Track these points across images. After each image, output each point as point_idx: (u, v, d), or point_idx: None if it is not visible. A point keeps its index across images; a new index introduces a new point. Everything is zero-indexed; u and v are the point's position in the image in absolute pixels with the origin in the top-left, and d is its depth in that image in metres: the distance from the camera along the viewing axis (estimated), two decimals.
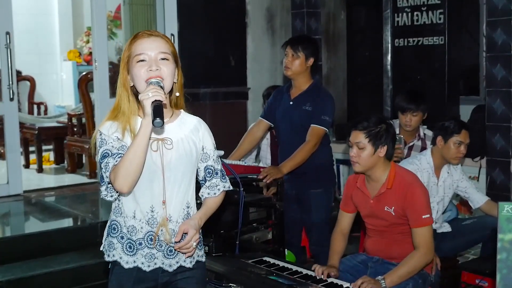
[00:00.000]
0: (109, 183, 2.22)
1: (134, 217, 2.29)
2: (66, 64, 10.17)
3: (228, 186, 2.48)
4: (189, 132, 2.37)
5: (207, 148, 2.41)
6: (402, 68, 5.99)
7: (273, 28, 6.83)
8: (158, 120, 2.09)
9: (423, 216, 3.04)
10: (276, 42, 6.81)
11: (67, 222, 4.95)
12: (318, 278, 3.08)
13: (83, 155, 6.76)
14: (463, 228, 3.95)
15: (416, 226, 3.06)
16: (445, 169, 3.92)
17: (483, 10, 6.11)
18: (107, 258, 2.36)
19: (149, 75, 2.22)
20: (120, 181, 2.15)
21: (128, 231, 2.30)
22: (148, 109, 2.12)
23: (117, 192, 2.24)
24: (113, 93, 6.04)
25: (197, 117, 2.45)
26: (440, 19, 5.69)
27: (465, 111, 5.95)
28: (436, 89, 5.65)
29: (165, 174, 2.28)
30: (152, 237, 2.30)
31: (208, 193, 2.43)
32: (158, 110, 2.10)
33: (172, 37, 6.07)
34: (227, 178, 2.48)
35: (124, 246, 2.31)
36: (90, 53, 9.54)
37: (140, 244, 2.30)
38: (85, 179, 6.32)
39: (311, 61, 4.09)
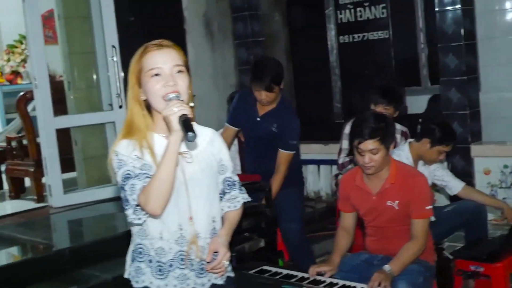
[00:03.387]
0: (137, 206, 2.09)
1: (161, 238, 2.17)
2: None
3: (246, 197, 2.39)
4: (207, 144, 2.27)
5: (224, 159, 2.32)
6: (349, 64, 6.07)
7: (211, 33, 6.74)
8: (191, 134, 1.99)
9: (427, 207, 3.08)
10: (216, 47, 6.72)
11: (31, 252, 4.66)
12: (312, 279, 3.07)
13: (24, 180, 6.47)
14: (444, 215, 4.01)
15: (418, 217, 3.09)
16: (421, 161, 3.98)
17: (417, 3, 6.29)
18: (135, 285, 2.22)
19: (166, 90, 2.10)
20: (153, 203, 2.03)
21: (156, 254, 2.18)
22: (176, 124, 2.01)
23: (145, 214, 2.10)
24: (57, 111, 5.77)
25: (211, 129, 2.36)
26: (383, 13, 5.80)
27: (409, 102, 6.10)
28: (384, 83, 5.73)
29: (189, 189, 2.17)
30: (184, 257, 2.18)
31: (229, 206, 2.34)
32: (188, 124, 2.01)
33: (114, 49, 5.86)
34: (244, 189, 2.40)
35: (153, 270, 2.19)
36: (13, 72, 9.11)
37: (171, 265, 2.18)
38: (33, 204, 5.98)
39: (282, 84, 4.06)
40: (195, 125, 2.07)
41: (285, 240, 4.31)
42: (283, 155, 4.03)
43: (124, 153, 2.12)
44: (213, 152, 2.27)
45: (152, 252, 2.18)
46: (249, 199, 2.41)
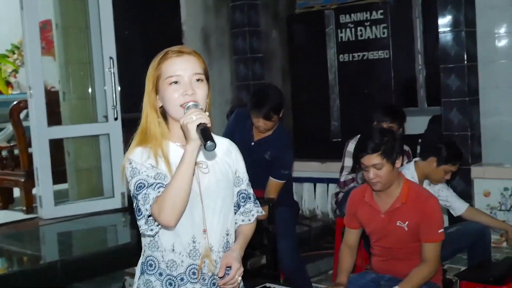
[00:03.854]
0: (149, 216, 2.00)
1: (173, 250, 2.07)
2: None
3: (261, 211, 2.32)
4: (223, 155, 2.20)
5: (240, 171, 2.24)
6: (348, 83, 6.04)
7: (209, 48, 6.69)
8: (210, 143, 1.91)
9: (439, 231, 3.02)
10: (213, 62, 6.66)
11: (19, 265, 4.53)
12: None
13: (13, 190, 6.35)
14: (448, 236, 3.95)
15: (429, 241, 3.02)
16: (427, 181, 3.93)
17: (416, 25, 6.31)
18: None
19: (185, 100, 2.03)
20: (167, 214, 1.94)
21: (167, 267, 2.08)
22: (194, 133, 1.93)
23: (158, 225, 2.02)
24: (52, 121, 5.68)
25: (227, 139, 2.30)
26: (384, 33, 5.79)
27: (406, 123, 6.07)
28: (383, 102, 5.70)
29: (204, 201, 2.09)
30: (196, 271, 2.09)
31: (243, 220, 2.25)
32: (206, 133, 1.94)
33: (111, 60, 5.80)
34: (258, 202, 2.32)
35: (163, 283, 2.08)
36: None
37: (182, 279, 2.08)
38: (21, 215, 5.85)
39: (281, 113, 4.00)
40: (212, 135, 2.01)
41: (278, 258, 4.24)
42: (274, 184, 3.97)
43: (138, 161, 2.03)
44: (230, 162, 2.20)
45: (163, 265, 2.09)
46: (264, 213, 2.34)
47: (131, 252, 4.24)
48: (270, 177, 3.98)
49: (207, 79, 2.15)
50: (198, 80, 2.08)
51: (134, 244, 4.35)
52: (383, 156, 3.01)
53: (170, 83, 2.05)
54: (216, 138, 2.17)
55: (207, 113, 2.11)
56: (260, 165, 3.97)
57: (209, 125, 1.98)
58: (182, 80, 2.05)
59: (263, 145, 4.04)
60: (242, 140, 4.06)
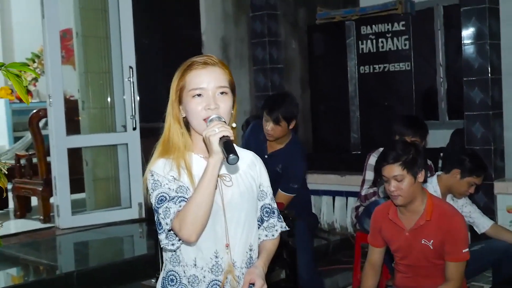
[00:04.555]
0: (169, 230, 1.95)
1: (195, 265, 2.03)
2: None
3: (284, 226, 2.25)
4: (247, 167, 2.15)
5: (264, 185, 2.20)
6: (368, 95, 5.98)
7: (228, 58, 6.66)
8: (233, 156, 1.86)
9: (463, 251, 2.95)
10: (232, 72, 6.61)
11: (36, 274, 4.51)
12: None
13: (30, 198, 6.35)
14: (472, 254, 3.86)
15: (453, 260, 2.95)
16: (450, 195, 3.85)
17: (438, 37, 6.24)
18: None
19: (208, 114, 1.99)
20: (188, 229, 1.90)
21: (189, 282, 2.03)
22: (216, 146, 1.89)
23: (179, 240, 1.97)
24: (71, 130, 5.67)
25: (251, 151, 2.25)
26: (405, 45, 5.73)
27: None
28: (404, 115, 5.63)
29: (227, 214, 2.04)
30: (218, 287, 2.03)
31: (266, 235, 2.20)
32: (229, 146, 1.89)
33: (131, 70, 5.79)
34: (281, 217, 2.27)
35: None
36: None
37: None
38: (39, 224, 5.84)
39: (293, 124, 3.96)
40: (236, 148, 1.96)
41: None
42: (282, 197, 3.93)
43: (160, 174, 2.00)
44: (254, 176, 2.15)
45: (184, 280, 2.04)
46: (287, 228, 2.27)
47: (147, 264, 4.20)
48: (279, 189, 3.94)
49: (233, 90, 2.10)
50: (222, 93, 2.04)
51: (151, 256, 4.31)
52: (403, 167, 2.94)
53: (194, 96, 2.02)
54: (240, 150, 2.14)
55: (234, 124, 2.09)
56: (273, 178, 3.92)
57: (232, 138, 1.94)
58: (205, 93, 2.02)
59: (276, 158, 4.01)
60: (256, 153, 4.02)
